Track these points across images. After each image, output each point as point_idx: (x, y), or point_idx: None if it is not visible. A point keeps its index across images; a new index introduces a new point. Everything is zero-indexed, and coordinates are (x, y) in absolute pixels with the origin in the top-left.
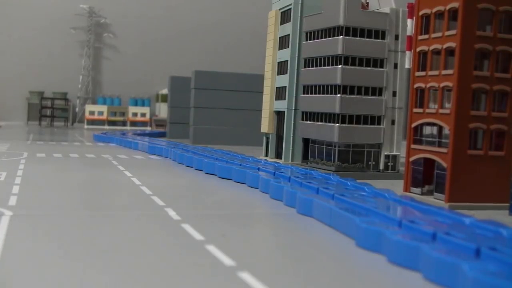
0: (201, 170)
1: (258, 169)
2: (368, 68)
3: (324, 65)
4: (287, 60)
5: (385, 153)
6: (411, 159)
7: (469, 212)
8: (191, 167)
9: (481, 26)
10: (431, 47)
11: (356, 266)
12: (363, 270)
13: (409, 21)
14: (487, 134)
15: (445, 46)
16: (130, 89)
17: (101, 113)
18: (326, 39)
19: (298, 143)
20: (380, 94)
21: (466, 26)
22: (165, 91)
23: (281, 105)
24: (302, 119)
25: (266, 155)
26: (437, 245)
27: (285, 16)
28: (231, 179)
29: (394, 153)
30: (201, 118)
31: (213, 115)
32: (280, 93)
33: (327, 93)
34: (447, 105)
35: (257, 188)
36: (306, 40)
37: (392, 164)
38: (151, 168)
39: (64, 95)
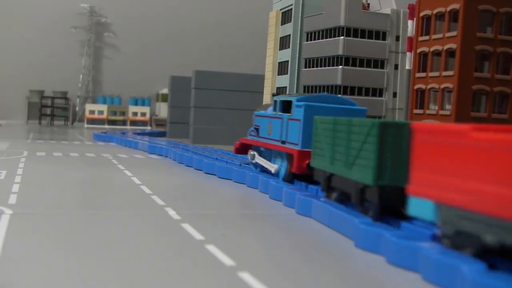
0: (201, 170)
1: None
2: (369, 69)
3: (325, 66)
4: (288, 61)
5: None
6: None
7: None
8: (191, 166)
9: (481, 27)
10: (432, 48)
11: (355, 267)
12: (362, 270)
13: (409, 22)
14: None
15: (445, 47)
16: (130, 89)
17: (101, 112)
18: (326, 39)
19: None
20: (380, 95)
21: (467, 27)
22: (165, 90)
23: None
24: None
25: None
26: None
27: (286, 16)
28: (230, 179)
29: None
30: (201, 118)
31: (213, 115)
32: (280, 93)
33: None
34: (447, 106)
35: (257, 189)
36: (307, 40)
37: None
38: (151, 167)
39: (64, 94)
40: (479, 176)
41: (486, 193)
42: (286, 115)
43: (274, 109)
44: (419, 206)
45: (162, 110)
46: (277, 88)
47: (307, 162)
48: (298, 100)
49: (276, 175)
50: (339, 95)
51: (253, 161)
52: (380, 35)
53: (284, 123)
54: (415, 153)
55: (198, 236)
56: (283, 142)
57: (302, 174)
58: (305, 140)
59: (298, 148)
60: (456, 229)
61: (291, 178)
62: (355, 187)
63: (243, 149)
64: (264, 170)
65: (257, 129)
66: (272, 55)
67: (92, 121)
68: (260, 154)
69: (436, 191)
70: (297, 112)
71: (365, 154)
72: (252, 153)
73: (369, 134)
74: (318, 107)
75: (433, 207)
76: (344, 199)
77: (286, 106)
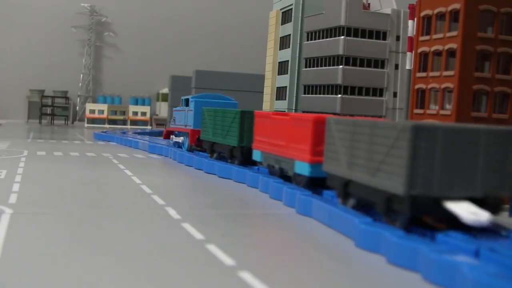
0: (201, 170)
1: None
2: (369, 69)
3: (325, 65)
4: (288, 60)
5: None
6: None
7: None
8: (191, 166)
9: (482, 27)
10: (432, 48)
11: (355, 267)
12: (362, 270)
13: (410, 22)
14: None
15: (446, 47)
16: (131, 88)
17: (101, 111)
18: (327, 39)
19: None
20: (381, 95)
21: (467, 27)
22: (165, 90)
23: (282, 105)
24: None
25: None
26: None
27: (286, 16)
28: (231, 179)
29: None
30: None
31: None
32: (280, 93)
33: (327, 94)
34: (447, 106)
35: (257, 188)
36: (307, 40)
37: None
38: (152, 167)
39: (65, 93)
40: (273, 136)
41: (276, 144)
42: (187, 108)
43: (182, 105)
44: (256, 154)
45: (163, 109)
46: (277, 88)
47: (197, 136)
48: (192, 98)
49: (182, 145)
50: (221, 94)
51: (172, 141)
52: (380, 35)
53: (186, 113)
54: (255, 127)
55: (198, 235)
56: (186, 126)
57: (197, 145)
58: (195, 123)
59: (191, 128)
60: (267, 163)
61: (191, 149)
62: (228, 148)
63: (168, 135)
64: (178, 145)
65: (174, 120)
66: (272, 55)
67: (92, 121)
68: (177, 136)
69: (261, 145)
70: (191, 105)
71: (232, 129)
72: (172, 136)
73: (235, 117)
74: (204, 102)
75: (260, 154)
76: (221, 157)
77: (187, 102)
